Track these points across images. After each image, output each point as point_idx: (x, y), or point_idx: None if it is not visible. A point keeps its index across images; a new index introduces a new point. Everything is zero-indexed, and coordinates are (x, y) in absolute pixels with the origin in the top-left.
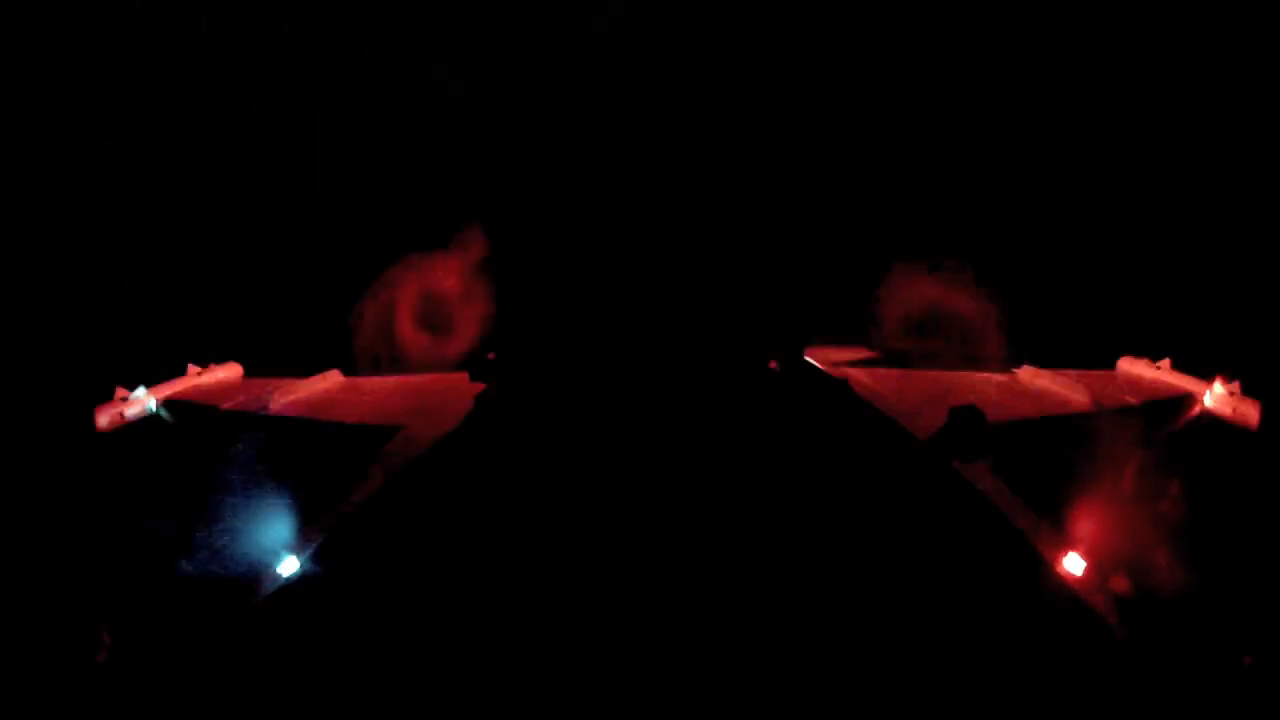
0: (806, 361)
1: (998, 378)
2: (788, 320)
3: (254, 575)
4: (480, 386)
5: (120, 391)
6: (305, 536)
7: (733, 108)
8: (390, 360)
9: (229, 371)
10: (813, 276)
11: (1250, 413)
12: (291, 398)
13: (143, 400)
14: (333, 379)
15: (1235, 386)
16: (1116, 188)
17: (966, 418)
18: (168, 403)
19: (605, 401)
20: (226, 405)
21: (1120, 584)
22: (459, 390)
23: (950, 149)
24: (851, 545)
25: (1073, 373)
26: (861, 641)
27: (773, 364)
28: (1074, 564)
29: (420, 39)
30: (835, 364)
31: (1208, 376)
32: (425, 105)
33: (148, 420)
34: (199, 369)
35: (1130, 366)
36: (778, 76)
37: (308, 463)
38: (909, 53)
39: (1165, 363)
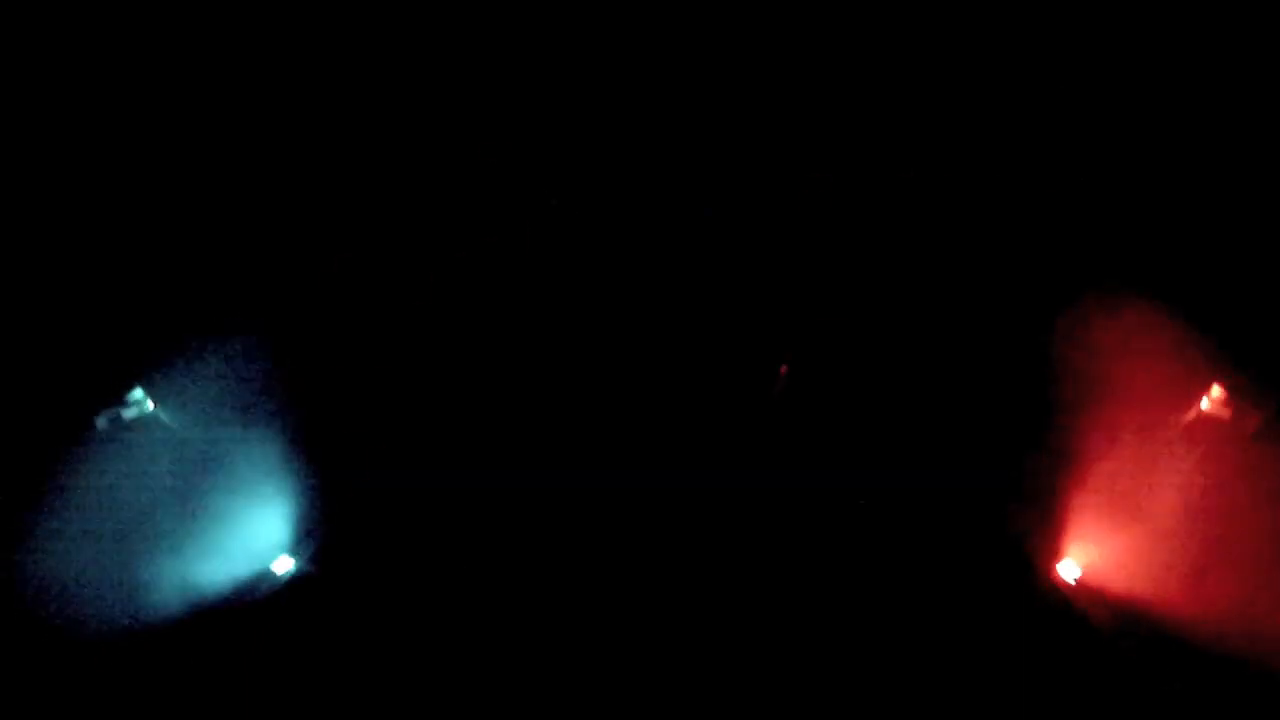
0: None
1: None
2: (798, 323)
3: (249, 575)
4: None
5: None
6: (303, 535)
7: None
8: None
9: None
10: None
11: (1248, 417)
12: None
13: (140, 402)
14: None
15: (1233, 390)
16: (1108, 181)
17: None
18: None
19: (613, 403)
20: None
21: (1115, 590)
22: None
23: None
24: (846, 547)
25: None
26: (855, 645)
27: (782, 369)
28: (1068, 570)
29: (424, 39)
30: None
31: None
32: (431, 106)
33: (146, 421)
34: None
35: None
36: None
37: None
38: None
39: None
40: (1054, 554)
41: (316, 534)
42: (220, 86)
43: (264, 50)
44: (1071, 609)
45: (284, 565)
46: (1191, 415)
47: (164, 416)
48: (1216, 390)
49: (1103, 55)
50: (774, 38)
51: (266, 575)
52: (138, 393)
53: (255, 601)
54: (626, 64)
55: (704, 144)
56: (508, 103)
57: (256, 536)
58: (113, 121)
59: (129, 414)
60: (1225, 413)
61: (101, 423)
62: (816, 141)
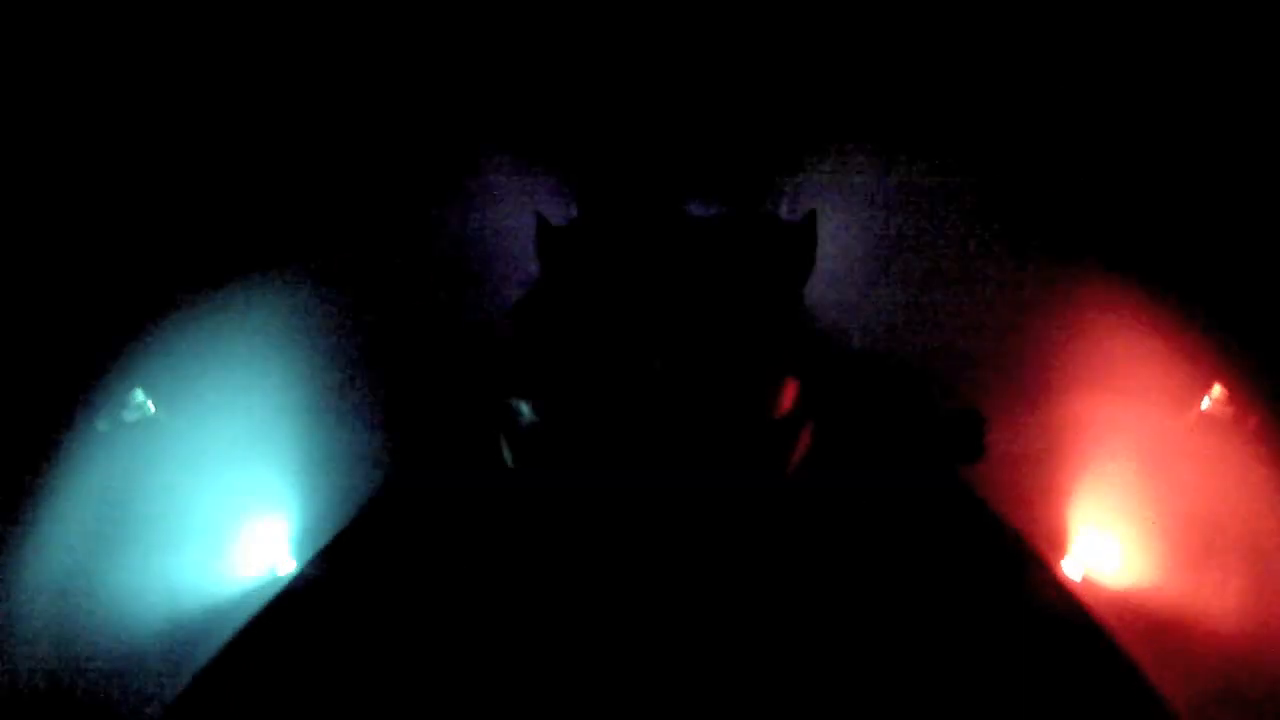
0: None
1: None
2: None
3: (251, 577)
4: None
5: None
6: (305, 536)
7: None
8: None
9: None
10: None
11: (1248, 418)
12: None
13: (141, 404)
14: None
15: (1233, 393)
16: (1108, 180)
17: (965, 420)
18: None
19: (612, 402)
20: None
21: (1118, 588)
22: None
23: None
24: (850, 549)
25: None
26: (856, 645)
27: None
28: (1072, 568)
29: (427, 37)
30: None
31: (1206, 381)
32: (433, 106)
33: (146, 423)
34: None
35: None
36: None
37: (309, 460)
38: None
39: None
40: (1057, 552)
41: (320, 535)
42: (221, 85)
43: (263, 47)
44: (1074, 607)
45: (287, 567)
46: (1193, 414)
47: (165, 418)
48: (1217, 389)
49: (1100, 53)
50: (774, 38)
51: (269, 577)
52: (138, 394)
53: (257, 603)
54: (626, 66)
55: (704, 145)
56: (509, 103)
57: (258, 538)
58: (115, 122)
59: (129, 415)
60: (1226, 412)
61: (102, 424)
62: (815, 140)
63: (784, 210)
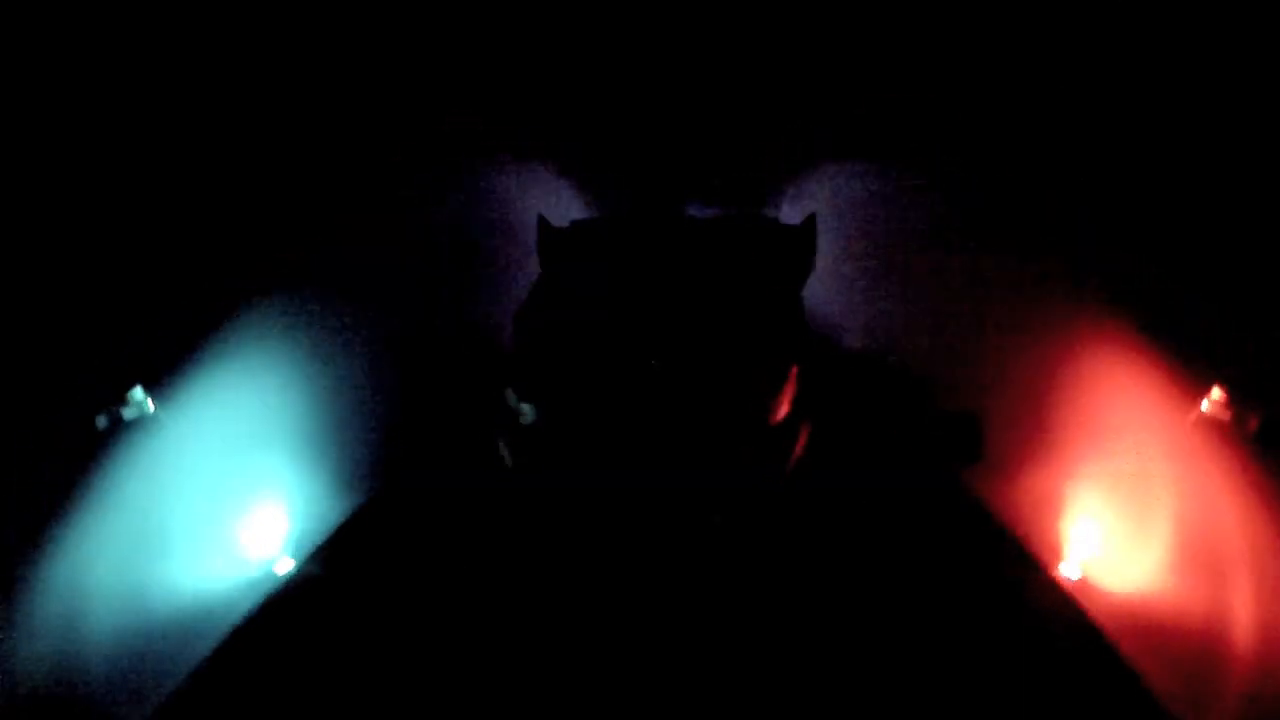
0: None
1: None
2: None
3: (249, 576)
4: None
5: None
6: (304, 535)
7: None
8: None
9: None
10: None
11: (1248, 420)
12: None
13: (140, 402)
14: None
15: (1232, 395)
16: (1105, 178)
17: (963, 421)
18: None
19: (620, 412)
20: None
21: (1116, 591)
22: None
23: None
24: (847, 550)
25: None
26: (854, 646)
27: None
28: (1069, 569)
29: (430, 36)
30: None
31: (1205, 383)
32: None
33: (145, 421)
34: None
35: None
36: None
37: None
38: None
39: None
40: (1054, 554)
41: (317, 534)
42: (221, 87)
43: (263, 47)
44: (1071, 609)
45: (284, 565)
46: (1192, 416)
47: (164, 416)
48: (1216, 392)
49: (1095, 50)
50: (775, 40)
51: (267, 576)
52: (138, 393)
53: (255, 603)
54: (630, 67)
55: (706, 147)
56: (513, 103)
57: (257, 537)
58: (116, 118)
59: (129, 414)
60: (1225, 414)
61: (101, 423)
62: (815, 142)
63: (784, 212)
